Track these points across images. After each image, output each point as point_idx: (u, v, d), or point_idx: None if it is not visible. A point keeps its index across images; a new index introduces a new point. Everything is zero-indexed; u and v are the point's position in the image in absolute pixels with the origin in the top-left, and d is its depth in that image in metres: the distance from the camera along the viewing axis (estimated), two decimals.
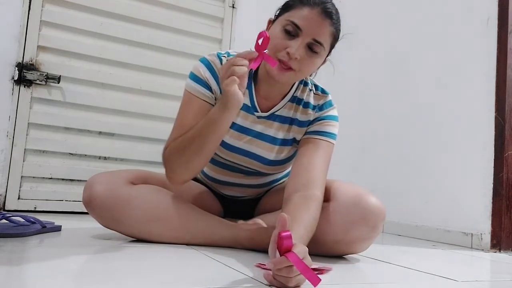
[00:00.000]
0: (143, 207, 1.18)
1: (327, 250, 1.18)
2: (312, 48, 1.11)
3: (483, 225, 1.78)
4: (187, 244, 1.22)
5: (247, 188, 1.39)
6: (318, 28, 1.10)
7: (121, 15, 2.22)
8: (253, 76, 1.25)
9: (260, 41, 1.03)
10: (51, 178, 2.05)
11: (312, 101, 1.27)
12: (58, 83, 2.04)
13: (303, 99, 1.27)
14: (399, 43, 2.32)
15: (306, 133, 1.25)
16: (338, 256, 1.21)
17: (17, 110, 1.99)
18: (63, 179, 2.08)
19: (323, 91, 1.29)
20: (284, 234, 0.80)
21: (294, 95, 1.27)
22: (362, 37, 2.55)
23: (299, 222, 0.99)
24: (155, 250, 1.12)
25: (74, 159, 2.11)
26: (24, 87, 2.01)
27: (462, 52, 1.97)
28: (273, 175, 1.39)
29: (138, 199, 1.18)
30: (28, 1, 2.01)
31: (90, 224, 1.48)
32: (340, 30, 1.18)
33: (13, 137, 1.97)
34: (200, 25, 2.39)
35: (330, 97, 1.29)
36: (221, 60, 1.21)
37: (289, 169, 1.42)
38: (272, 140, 1.27)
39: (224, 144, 1.27)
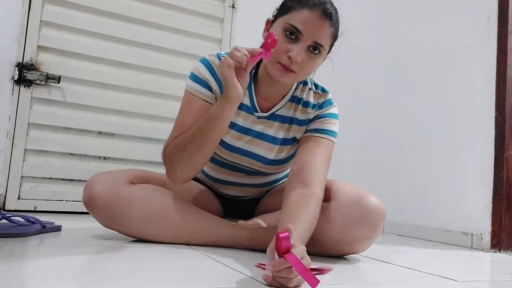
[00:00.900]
0: (143, 207, 1.18)
1: (327, 250, 1.18)
2: (313, 50, 1.11)
3: (483, 225, 1.78)
4: (187, 244, 1.22)
5: (247, 187, 1.39)
6: (319, 30, 1.09)
7: (121, 15, 2.21)
8: (253, 77, 1.25)
9: (269, 41, 1.02)
10: (51, 178, 2.05)
11: (312, 100, 1.27)
12: (58, 83, 2.04)
13: (302, 98, 1.27)
14: (399, 43, 2.32)
15: (306, 131, 1.25)
16: (338, 256, 1.21)
17: (17, 110, 1.98)
18: (63, 179, 2.08)
19: (323, 90, 1.29)
20: (282, 235, 0.80)
21: (294, 94, 1.27)
22: (362, 37, 2.54)
23: (298, 220, 0.99)
24: (155, 250, 1.12)
25: (74, 159, 2.10)
26: (24, 87, 2.00)
27: (462, 52, 1.97)
28: (274, 175, 1.39)
29: (138, 199, 1.18)
30: (28, 1, 2.01)
31: (90, 224, 1.48)
32: (339, 28, 1.17)
33: (13, 137, 1.97)
34: (200, 25, 2.39)
35: (330, 96, 1.29)
36: (220, 60, 1.21)
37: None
38: (272, 140, 1.27)
39: (224, 145, 1.27)
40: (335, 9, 1.14)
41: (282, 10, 1.14)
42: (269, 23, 1.18)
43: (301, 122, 1.26)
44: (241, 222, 1.30)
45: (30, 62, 2.01)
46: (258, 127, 1.26)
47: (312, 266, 0.96)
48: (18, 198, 1.97)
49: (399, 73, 2.30)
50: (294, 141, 1.29)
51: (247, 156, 1.29)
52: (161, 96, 2.28)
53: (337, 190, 1.17)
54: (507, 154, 1.76)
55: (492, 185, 1.78)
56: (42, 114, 2.04)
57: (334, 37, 1.16)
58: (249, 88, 1.24)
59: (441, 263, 1.38)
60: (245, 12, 2.46)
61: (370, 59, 2.50)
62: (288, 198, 1.09)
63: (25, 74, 1.99)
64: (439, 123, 2.04)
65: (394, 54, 2.34)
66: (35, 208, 2.00)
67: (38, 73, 2.01)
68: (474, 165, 1.85)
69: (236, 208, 1.42)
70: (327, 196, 1.16)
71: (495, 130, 1.79)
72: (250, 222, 1.29)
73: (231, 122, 1.25)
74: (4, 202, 1.94)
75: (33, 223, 1.32)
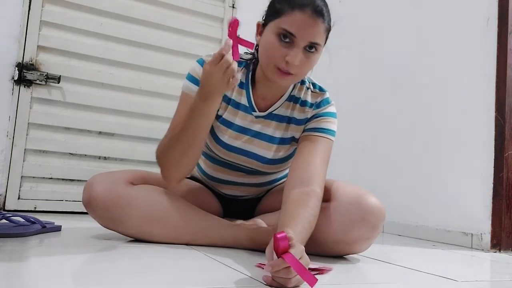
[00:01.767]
0: (143, 207, 1.18)
1: (327, 250, 1.18)
2: (309, 49, 1.11)
3: (483, 225, 1.78)
4: (187, 244, 1.22)
5: (246, 187, 1.39)
6: (312, 30, 1.08)
7: (121, 15, 2.22)
8: (251, 77, 1.25)
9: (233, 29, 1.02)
10: (51, 178, 2.05)
11: (309, 99, 1.27)
12: (58, 83, 2.04)
13: (300, 97, 1.27)
14: (399, 43, 2.32)
15: (304, 130, 1.25)
16: (338, 256, 1.21)
17: (17, 110, 1.98)
18: (63, 179, 2.08)
19: (321, 89, 1.29)
20: (279, 235, 0.80)
21: (292, 94, 1.27)
22: (362, 37, 2.55)
23: (297, 219, 0.99)
24: (155, 250, 1.12)
25: (74, 159, 2.11)
26: (24, 87, 2.00)
27: (462, 52, 1.97)
28: (273, 175, 1.39)
29: (137, 199, 1.18)
30: (28, 1, 2.01)
31: (90, 224, 1.48)
32: (331, 19, 1.15)
33: (13, 137, 1.97)
34: (200, 25, 2.39)
35: (327, 95, 1.28)
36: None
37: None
38: (270, 139, 1.27)
39: (223, 144, 1.27)
40: (325, 3, 1.13)
41: (273, 14, 1.12)
42: (260, 27, 1.18)
43: (299, 122, 1.26)
44: (241, 222, 1.30)
45: (30, 62, 2.01)
46: (256, 127, 1.26)
47: (312, 266, 0.96)
48: (18, 198, 1.97)
49: (399, 73, 2.30)
50: (293, 140, 1.29)
51: (245, 155, 1.29)
52: (161, 96, 2.28)
53: (337, 190, 1.17)
54: (507, 154, 1.76)
55: (492, 185, 1.78)
56: (42, 114, 2.04)
57: (328, 31, 1.15)
58: (246, 88, 1.25)
59: (441, 263, 1.38)
60: (245, 12, 2.46)
61: (370, 59, 2.50)
62: (288, 197, 1.09)
63: (25, 74, 1.99)
64: (439, 123, 2.04)
65: (394, 54, 2.34)
66: (35, 208, 2.00)
67: (38, 73, 2.01)
68: (474, 165, 1.85)
69: (236, 208, 1.42)
70: (327, 196, 1.16)
71: (495, 130, 1.79)
72: (250, 222, 1.29)
73: (229, 122, 1.25)
74: (4, 202, 1.94)
75: (33, 223, 1.32)
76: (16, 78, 1.98)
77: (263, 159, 1.29)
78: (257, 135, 1.27)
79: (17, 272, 0.82)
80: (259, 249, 1.18)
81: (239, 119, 1.25)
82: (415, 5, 2.26)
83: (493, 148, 1.78)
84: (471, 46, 1.93)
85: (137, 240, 1.22)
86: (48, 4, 2.07)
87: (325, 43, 1.17)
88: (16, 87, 1.99)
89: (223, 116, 1.26)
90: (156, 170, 1.24)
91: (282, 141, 1.28)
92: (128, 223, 1.18)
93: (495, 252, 1.73)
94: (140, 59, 2.24)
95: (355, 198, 1.13)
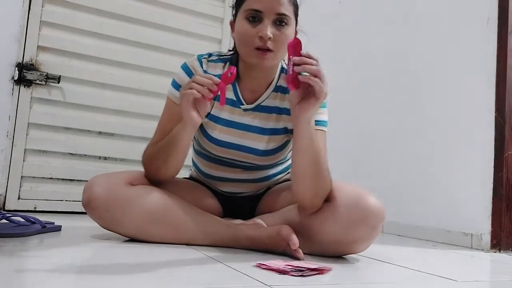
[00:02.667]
0: (143, 208, 1.18)
1: (327, 250, 1.18)
2: (279, 22, 1.15)
3: (483, 225, 1.78)
4: (187, 244, 1.22)
5: (245, 183, 1.39)
6: (276, 2, 1.14)
7: (121, 15, 2.21)
8: (236, 70, 1.27)
9: (229, 74, 1.09)
10: (51, 178, 2.05)
11: None
12: (58, 83, 2.04)
13: (286, 87, 1.27)
14: (400, 43, 2.32)
15: None
16: (338, 256, 1.21)
17: (17, 110, 1.98)
18: (63, 179, 2.08)
19: None
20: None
21: (278, 84, 1.29)
22: (362, 36, 2.55)
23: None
24: (155, 250, 1.12)
25: (74, 159, 2.10)
26: (24, 87, 2.00)
27: (462, 52, 1.97)
28: (270, 169, 1.40)
29: (137, 199, 1.18)
30: (28, 1, 2.01)
31: (90, 224, 1.47)
32: None
33: (13, 137, 1.97)
34: (200, 25, 2.39)
35: None
36: (201, 63, 1.27)
37: (288, 163, 1.43)
38: (261, 131, 1.28)
39: (214, 141, 1.28)
40: None
41: (238, 4, 1.19)
42: (233, 24, 1.24)
43: (290, 112, 1.26)
44: (241, 222, 1.30)
45: (30, 62, 2.01)
46: (245, 120, 1.28)
47: (312, 266, 0.96)
48: (18, 198, 1.97)
49: (399, 73, 2.30)
50: (287, 131, 1.30)
51: (238, 149, 1.29)
52: (161, 96, 2.25)
53: (337, 190, 1.17)
54: (507, 154, 1.76)
55: (492, 186, 1.78)
56: (42, 114, 2.04)
57: (294, 4, 1.20)
58: (232, 82, 1.26)
59: (441, 263, 1.38)
60: None
61: (370, 59, 2.50)
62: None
63: (25, 74, 1.99)
64: (439, 123, 2.04)
65: (394, 54, 2.34)
66: (35, 208, 2.00)
67: (38, 73, 2.01)
68: (474, 165, 1.85)
69: (236, 208, 1.42)
70: (327, 197, 1.16)
71: (495, 131, 1.79)
72: (250, 222, 1.29)
73: (216, 116, 1.28)
74: (4, 202, 1.94)
75: (33, 223, 1.32)
76: (16, 78, 1.98)
77: (257, 151, 1.30)
78: (248, 127, 1.28)
79: (17, 272, 0.82)
80: (259, 249, 1.18)
81: (226, 113, 1.27)
82: (416, 4, 2.26)
83: (493, 148, 1.78)
84: (471, 46, 1.93)
85: (136, 240, 1.22)
86: (48, 4, 2.07)
87: (296, 20, 1.22)
88: (16, 87, 1.99)
89: (211, 112, 1.27)
90: None
91: (274, 132, 1.29)
92: (128, 223, 1.18)
93: (495, 252, 1.73)
94: (140, 59, 2.24)
95: (355, 198, 1.13)
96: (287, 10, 1.15)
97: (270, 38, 1.13)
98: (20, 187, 1.98)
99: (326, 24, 2.58)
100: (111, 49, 2.19)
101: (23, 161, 1.99)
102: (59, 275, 0.80)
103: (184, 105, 1.09)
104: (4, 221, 1.32)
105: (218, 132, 1.27)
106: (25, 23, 2.00)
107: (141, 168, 1.29)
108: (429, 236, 1.99)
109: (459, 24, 2.00)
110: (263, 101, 1.28)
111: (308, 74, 1.00)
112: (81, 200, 1.21)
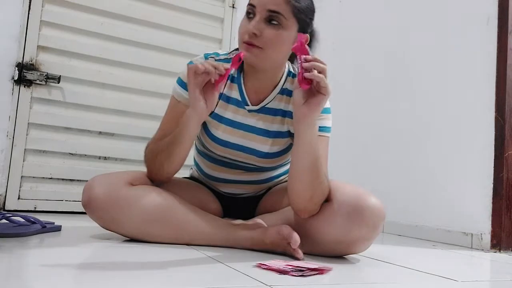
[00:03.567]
0: (143, 208, 1.18)
1: (327, 250, 1.18)
2: (271, 20, 1.14)
3: (483, 225, 1.78)
4: (187, 244, 1.22)
5: (246, 184, 1.39)
6: None
7: (121, 15, 2.21)
8: (241, 70, 1.27)
9: (238, 59, 1.09)
10: (51, 178, 2.05)
11: None
12: (58, 83, 2.04)
13: (292, 90, 1.26)
14: (400, 43, 2.32)
15: None
16: (338, 256, 1.21)
17: (17, 110, 1.98)
18: (63, 179, 2.08)
19: None
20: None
21: (284, 87, 1.28)
22: (363, 37, 2.55)
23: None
24: (155, 250, 1.12)
25: (74, 159, 2.10)
26: (24, 87, 2.00)
27: (462, 52, 1.97)
28: (271, 171, 1.39)
29: (137, 200, 1.18)
30: (28, 1, 2.01)
31: (90, 224, 1.47)
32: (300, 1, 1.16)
33: (13, 137, 1.97)
34: (200, 25, 2.39)
35: None
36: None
37: (288, 166, 1.42)
38: (265, 133, 1.28)
39: (218, 140, 1.28)
40: None
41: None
42: None
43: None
44: (241, 222, 1.30)
45: (30, 62, 2.01)
46: (250, 121, 1.27)
47: (312, 266, 0.96)
48: (18, 198, 1.97)
49: (399, 73, 2.30)
50: (291, 135, 1.29)
51: (241, 150, 1.29)
52: (161, 96, 2.27)
53: (337, 191, 1.16)
54: (507, 154, 1.76)
55: (492, 185, 1.78)
56: (42, 114, 2.04)
57: (293, 6, 1.14)
58: (238, 82, 1.27)
59: (441, 263, 1.38)
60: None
61: (370, 59, 2.50)
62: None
63: (25, 74, 1.99)
64: (439, 123, 2.04)
65: (394, 54, 2.34)
66: (35, 208, 2.00)
67: (38, 73, 2.01)
68: (474, 165, 1.85)
69: (236, 208, 1.42)
70: (327, 197, 1.16)
71: (495, 131, 1.79)
72: (250, 222, 1.29)
73: (219, 116, 1.27)
74: (4, 202, 1.94)
75: (33, 223, 1.32)
76: (16, 78, 1.98)
77: (260, 153, 1.29)
78: (252, 129, 1.27)
79: (17, 272, 0.82)
80: (259, 249, 1.18)
81: (231, 113, 1.26)
82: (416, 4, 2.26)
83: (493, 148, 1.78)
84: (471, 46, 1.93)
85: (137, 240, 1.22)
86: (48, 4, 2.07)
87: (303, 23, 1.17)
88: (16, 87, 1.99)
89: (215, 111, 1.27)
90: None
91: (278, 135, 1.29)
92: (128, 223, 1.18)
93: (495, 252, 1.73)
94: (140, 59, 2.24)
95: (355, 198, 1.13)
96: (280, 8, 1.12)
97: (254, 33, 1.12)
98: (20, 187, 1.98)
99: (326, 24, 2.57)
100: (111, 49, 2.19)
101: (23, 161, 1.99)
102: (59, 275, 0.80)
103: (192, 91, 1.07)
104: (4, 221, 1.32)
105: (221, 132, 1.27)
106: (25, 23, 2.00)
107: (141, 168, 1.29)
108: (429, 236, 1.99)
109: (459, 24, 2.00)
110: (268, 103, 1.27)
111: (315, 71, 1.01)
112: (81, 200, 1.21)
